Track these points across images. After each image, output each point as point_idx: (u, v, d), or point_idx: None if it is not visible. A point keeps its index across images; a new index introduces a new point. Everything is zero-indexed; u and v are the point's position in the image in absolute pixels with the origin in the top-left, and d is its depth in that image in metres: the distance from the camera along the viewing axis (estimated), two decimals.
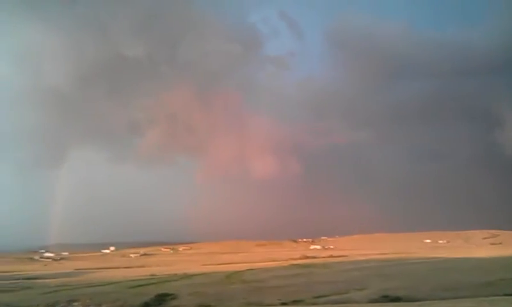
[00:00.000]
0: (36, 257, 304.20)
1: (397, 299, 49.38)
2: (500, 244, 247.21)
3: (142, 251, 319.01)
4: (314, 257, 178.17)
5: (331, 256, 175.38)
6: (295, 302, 52.71)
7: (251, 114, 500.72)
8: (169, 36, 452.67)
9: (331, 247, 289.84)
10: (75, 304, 62.66)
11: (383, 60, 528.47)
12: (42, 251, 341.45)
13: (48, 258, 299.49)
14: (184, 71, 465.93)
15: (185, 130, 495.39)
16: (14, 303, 66.62)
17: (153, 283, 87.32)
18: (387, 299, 50.27)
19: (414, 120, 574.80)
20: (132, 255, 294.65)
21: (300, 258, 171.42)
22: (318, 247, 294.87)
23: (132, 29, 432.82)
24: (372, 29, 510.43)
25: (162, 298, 62.43)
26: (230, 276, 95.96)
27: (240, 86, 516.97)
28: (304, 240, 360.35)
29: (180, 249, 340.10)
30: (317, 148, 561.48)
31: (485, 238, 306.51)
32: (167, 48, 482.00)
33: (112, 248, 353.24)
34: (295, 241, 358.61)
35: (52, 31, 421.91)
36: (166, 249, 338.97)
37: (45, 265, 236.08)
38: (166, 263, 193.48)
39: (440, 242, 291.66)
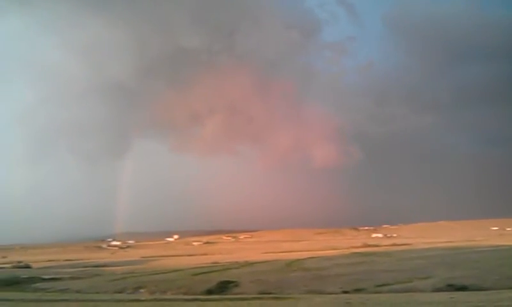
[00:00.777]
0: (104, 245, 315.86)
1: (462, 288, 48.13)
2: None
3: (204, 239, 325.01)
4: (376, 245, 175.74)
5: (394, 245, 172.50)
6: (357, 290, 52.31)
7: (311, 102, 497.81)
8: (226, 26, 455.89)
9: (394, 235, 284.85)
10: (142, 290, 64.54)
11: (446, 42, 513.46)
12: (109, 239, 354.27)
13: (115, 246, 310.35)
14: (242, 60, 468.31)
15: (245, 118, 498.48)
16: (84, 290, 69.37)
17: (215, 271, 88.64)
18: (452, 288, 49.07)
19: (480, 104, 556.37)
20: (194, 243, 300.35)
21: (362, 247, 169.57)
22: (380, 235, 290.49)
23: (190, 21, 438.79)
24: (435, 10, 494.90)
25: (224, 285, 63.35)
26: (290, 264, 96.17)
27: (298, 73, 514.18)
28: (366, 228, 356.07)
29: (241, 237, 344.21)
30: (378, 134, 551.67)
31: None
32: (224, 38, 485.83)
33: (175, 236, 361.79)
34: (356, 229, 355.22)
35: (116, 25, 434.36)
36: (227, 238, 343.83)
37: (112, 253, 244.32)
38: (227, 251, 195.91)
39: (508, 229, 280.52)
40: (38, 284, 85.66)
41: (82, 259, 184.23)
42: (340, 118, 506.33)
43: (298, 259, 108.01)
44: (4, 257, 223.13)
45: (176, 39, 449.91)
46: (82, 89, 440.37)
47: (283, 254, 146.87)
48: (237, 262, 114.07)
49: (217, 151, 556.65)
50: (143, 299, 44.03)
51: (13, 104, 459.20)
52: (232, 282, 65.31)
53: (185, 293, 56.63)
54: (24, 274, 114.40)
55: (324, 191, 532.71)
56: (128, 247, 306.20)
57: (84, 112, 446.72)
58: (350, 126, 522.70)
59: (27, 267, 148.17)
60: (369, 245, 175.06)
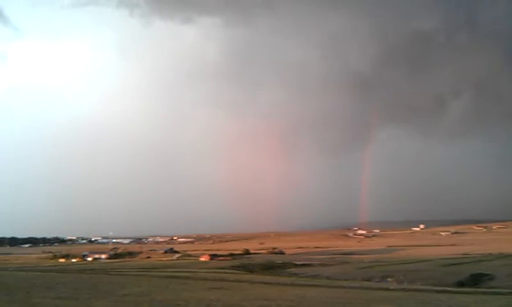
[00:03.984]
0: (350, 234, 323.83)
1: None
2: None
3: (452, 229, 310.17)
4: None
5: None
6: None
7: None
8: (463, 1, 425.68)
9: None
10: (389, 279, 64.68)
11: None
12: (355, 228, 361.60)
13: (361, 235, 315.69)
14: (485, 34, 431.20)
15: (495, 97, 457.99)
16: (333, 276, 72.37)
17: (466, 262, 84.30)
18: None
19: None
20: (442, 233, 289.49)
21: None
22: None
23: (424, 2, 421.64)
24: None
25: (477, 278, 59.96)
26: None
27: None
28: None
29: (494, 227, 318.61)
30: None
31: None
32: (463, 14, 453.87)
33: (421, 226, 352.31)
34: None
35: (354, 16, 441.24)
36: (478, 228, 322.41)
37: (359, 242, 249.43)
38: (478, 242, 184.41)
39: None
40: (291, 270, 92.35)
41: (330, 247, 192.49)
42: None
43: None
44: (261, 243, 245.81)
45: (413, 23, 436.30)
46: (325, 82, 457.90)
47: None
48: (490, 254, 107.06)
49: (464, 134, 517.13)
50: (391, 288, 44.13)
51: (263, 103, 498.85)
52: (486, 275, 61.32)
53: (434, 285, 55.00)
54: (278, 259, 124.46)
55: None
56: (373, 235, 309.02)
57: (327, 104, 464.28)
58: None
59: (281, 253, 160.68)
60: None
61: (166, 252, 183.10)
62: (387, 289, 41.80)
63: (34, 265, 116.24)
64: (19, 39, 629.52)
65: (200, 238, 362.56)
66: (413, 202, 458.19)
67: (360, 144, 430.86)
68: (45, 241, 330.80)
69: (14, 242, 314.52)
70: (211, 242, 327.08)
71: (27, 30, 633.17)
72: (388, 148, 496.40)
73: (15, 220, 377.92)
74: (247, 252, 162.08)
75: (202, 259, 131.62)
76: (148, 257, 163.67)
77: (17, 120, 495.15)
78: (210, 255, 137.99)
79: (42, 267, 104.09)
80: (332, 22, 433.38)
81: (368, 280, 64.70)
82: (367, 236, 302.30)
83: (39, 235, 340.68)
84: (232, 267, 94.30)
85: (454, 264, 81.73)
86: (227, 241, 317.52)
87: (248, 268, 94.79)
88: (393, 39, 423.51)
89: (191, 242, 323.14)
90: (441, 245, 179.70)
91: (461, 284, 56.76)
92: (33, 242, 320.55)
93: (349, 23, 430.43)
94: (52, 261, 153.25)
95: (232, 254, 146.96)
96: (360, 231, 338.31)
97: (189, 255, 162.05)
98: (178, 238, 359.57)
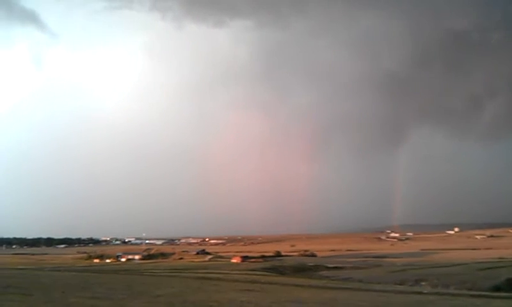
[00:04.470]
0: (383, 237, 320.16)
1: None
2: None
3: (488, 232, 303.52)
4: None
5: None
6: None
7: None
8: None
9: None
10: (423, 283, 63.78)
11: None
12: (388, 231, 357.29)
13: (393, 238, 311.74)
14: None
15: None
16: (366, 279, 71.77)
17: (502, 266, 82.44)
18: None
19: None
20: (477, 236, 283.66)
21: None
22: None
23: (458, 1, 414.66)
24: None
25: None
26: None
27: None
28: None
29: None
30: None
31: None
32: (497, 13, 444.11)
33: (456, 229, 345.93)
34: None
35: (387, 16, 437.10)
36: None
37: (392, 245, 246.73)
38: None
39: None
40: (323, 272, 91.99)
41: (362, 250, 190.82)
42: None
43: None
44: (293, 245, 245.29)
45: (446, 22, 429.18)
46: (355, 83, 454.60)
47: None
48: None
49: (501, 135, 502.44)
50: (425, 291, 43.52)
51: (294, 104, 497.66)
52: None
53: (469, 289, 54.02)
54: (310, 261, 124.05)
55: None
56: (407, 239, 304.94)
57: (359, 105, 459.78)
58: None
59: (313, 255, 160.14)
60: None
61: (198, 253, 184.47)
62: (421, 293, 41.26)
63: (69, 265, 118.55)
64: (56, 45, 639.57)
65: (232, 240, 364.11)
66: (448, 205, 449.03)
67: (393, 145, 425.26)
68: (80, 242, 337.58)
69: (50, 242, 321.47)
70: (242, 243, 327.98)
71: (63, 35, 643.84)
72: (421, 149, 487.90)
73: (51, 221, 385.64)
74: (278, 254, 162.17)
75: (234, 261, 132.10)
76: (181, 258, 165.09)
77: (52, 120, 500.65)
78: (242, 257, 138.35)
79: (77, 267, 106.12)
80: (365, 22, 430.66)
81: (402, 284, 63.88)
82: (400, 240, 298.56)
83: (74, 236, 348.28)
84: (264, 269, 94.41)
85: (489, 268, 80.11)
86: (258, 243, 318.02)
87: (280, 271, 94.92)
88: (427, 39, 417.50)
89: (223, 244, 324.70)
90: (477, 249, 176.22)
91: (497, 288, 55.49)
92: (68, 242, 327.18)
93: (382, 23, 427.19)
94: (86, 261, 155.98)
95: (263, 256, 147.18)
96: (393, 234, 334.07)
97: (221, 257, 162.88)
98: (210, 239, 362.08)
